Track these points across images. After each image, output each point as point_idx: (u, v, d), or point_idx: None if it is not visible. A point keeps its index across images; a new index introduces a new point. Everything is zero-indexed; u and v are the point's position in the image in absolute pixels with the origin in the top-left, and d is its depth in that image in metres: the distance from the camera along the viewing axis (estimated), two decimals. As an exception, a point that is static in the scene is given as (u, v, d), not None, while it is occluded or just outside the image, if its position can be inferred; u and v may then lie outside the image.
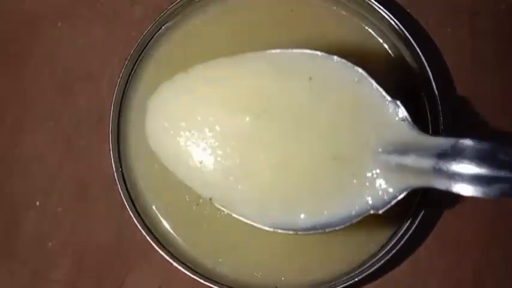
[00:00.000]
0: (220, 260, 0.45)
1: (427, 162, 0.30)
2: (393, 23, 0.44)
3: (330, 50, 0.38)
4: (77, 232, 0.49)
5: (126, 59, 0.45)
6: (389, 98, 0.33)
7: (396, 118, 0.32)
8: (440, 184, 0.30)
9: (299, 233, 0.34)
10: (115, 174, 0.44)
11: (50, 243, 0.49)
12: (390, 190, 0.31)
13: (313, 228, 0.33)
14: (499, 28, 0.49)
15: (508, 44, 0.49)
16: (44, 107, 0.50)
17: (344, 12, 0.46)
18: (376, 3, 0.44)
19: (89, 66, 0.50)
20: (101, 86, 0.50)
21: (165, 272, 0.47)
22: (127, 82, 0.45)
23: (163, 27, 0.46)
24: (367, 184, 0.32)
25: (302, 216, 0.33)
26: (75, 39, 0.51)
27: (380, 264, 0.42)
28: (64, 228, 0.49)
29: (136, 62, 0.46)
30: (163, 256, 0.44)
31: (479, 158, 0.29)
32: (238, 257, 0.45)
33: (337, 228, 0.33)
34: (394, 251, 0.42)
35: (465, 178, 0.29)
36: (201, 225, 0.45)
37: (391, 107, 0.32)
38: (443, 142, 0.30)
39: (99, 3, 0.51)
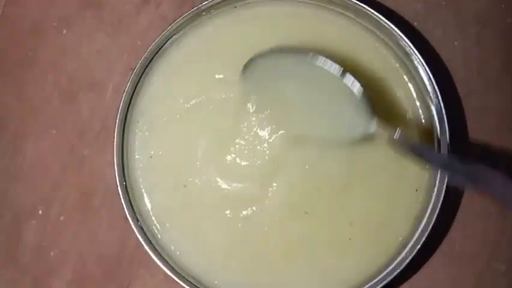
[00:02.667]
0: (222, 274, 0.45)
1: None
2: (400, 37, 0.44)
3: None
4: (79, 241, 0.49)
5: (132, 70, 0.44)
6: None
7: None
8: None
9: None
10: (119, 187, 0.43)
11: (52, 252, 0.49)
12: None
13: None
14: (506, 41, 0.49)
15: (514, 57, 0.49)
16: (47, 115, 0.50)
17: (352, 26, 0.46)
18: (383, 17, 0.44)
19: (94, 74, 0.50)
20: (105, 95, 0.50)
21: (167, 283, 0.47)
22: (132, 94, 0.45)
23: (170, 39, 0.45)
24: None
25: None
26: (80, 47, 0.51)
27: (387, 280, 0.42)
28: (66, 238, 0.49)
29: (142, 73, 0.45)
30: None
31: None
32: (240, 272, 0.45)
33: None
34: (398, 270, 0.42)
35: None
36: (204, 239, 0.45)
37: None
38: None
39: (104, 12, 0.51)
